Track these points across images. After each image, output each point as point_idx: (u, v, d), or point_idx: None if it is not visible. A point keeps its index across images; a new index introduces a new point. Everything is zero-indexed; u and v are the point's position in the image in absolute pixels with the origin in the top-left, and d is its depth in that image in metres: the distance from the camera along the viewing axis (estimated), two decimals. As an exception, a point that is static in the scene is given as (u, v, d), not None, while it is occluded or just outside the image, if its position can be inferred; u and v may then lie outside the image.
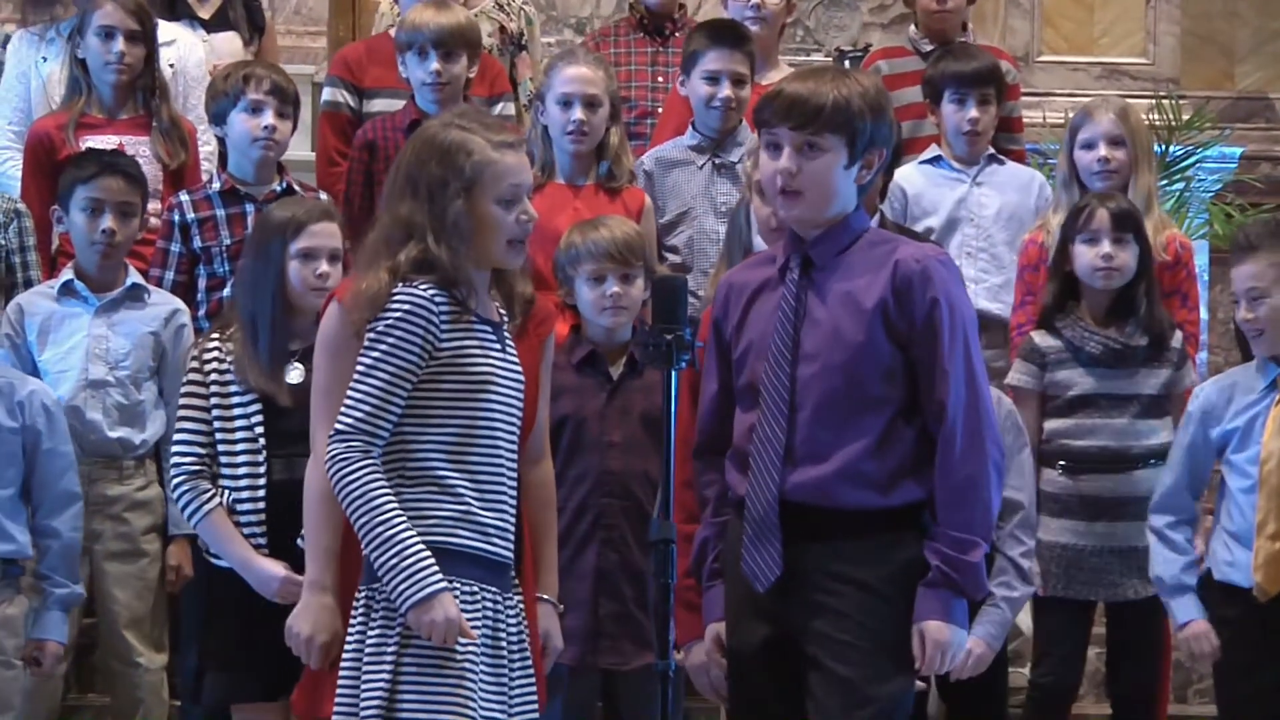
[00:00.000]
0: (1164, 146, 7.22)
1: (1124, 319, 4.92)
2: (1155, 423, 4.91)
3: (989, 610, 4.52)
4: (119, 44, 5.57)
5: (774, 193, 3.70)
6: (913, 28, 6.46)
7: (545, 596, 3.98)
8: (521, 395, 3.70)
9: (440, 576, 3.51)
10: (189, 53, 6.10)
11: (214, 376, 4.44)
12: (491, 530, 3.61)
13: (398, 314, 3.55)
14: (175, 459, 4.44)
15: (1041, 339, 4.96)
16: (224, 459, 4.43)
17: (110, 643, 4.96)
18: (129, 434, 4.97)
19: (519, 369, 3.70)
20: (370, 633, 3.57)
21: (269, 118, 5.27)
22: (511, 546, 3.67)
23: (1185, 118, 7.48)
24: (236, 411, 4.42)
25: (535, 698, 3.72)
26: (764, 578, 3.64)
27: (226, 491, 4.42)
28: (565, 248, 4.70)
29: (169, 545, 4.97)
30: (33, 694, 4.86)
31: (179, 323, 5.06)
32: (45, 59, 6.03)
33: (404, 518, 3.52)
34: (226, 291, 5.21)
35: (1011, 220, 5.68)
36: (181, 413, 4.48)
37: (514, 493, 3.67)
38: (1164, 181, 7.11)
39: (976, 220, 5.70)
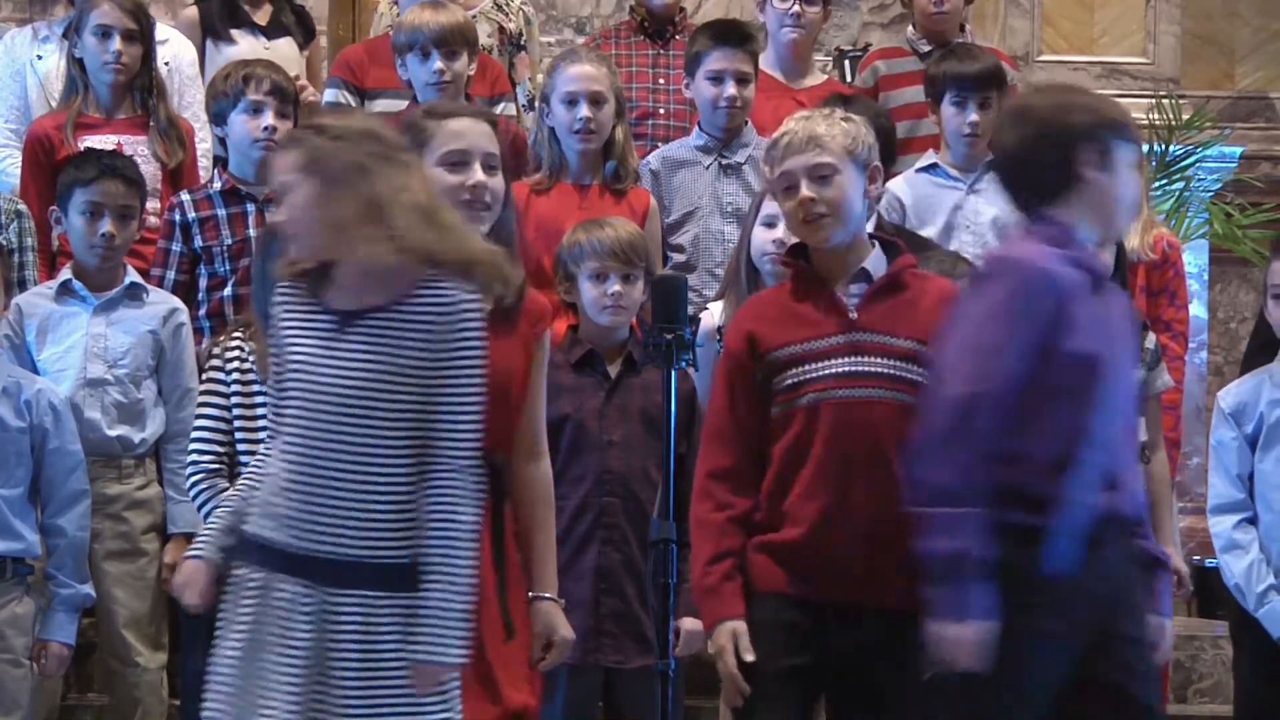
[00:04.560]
0: (1164, 146, 7.23)
1: None
2: None
3: None
4: (116, 43, 5.57)
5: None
6: (911, 28, 6.46)
7: (545, 595, 3.93)
8: (364, 389, 3.49)
9: (204, 545, 3.72)
10: (183, 51, 6.11)
11: (236, 375, 4.42)
12: (293, 522, 3.48)
13: None
14: (193, 457, 4.40)
15: None
16: (246, 458, 4.39)
17: (109, 642, 4.97)
18: (128, 432, 4.97)
19: (365, 360, 3.49)
20: None
21: (269, 118, 5.27)
22: (337, 542, 3.48)
23: (1185, 118, 7.47)
24: (260, 411, 4.39)
25: (399, 706, 3.50)
26: None
27: None
28: (569, 245, 4.70)
29: (167, 544, 4.97)
30: (33, 693, 4.86)
31: (177, 321, 5.06)
32: (40, 57, 6.02)
33: (228, 501, 3.77)
34: (228, 291, 5.22)
35: (1007, 228, 5.66)
36: (200, 410, 4.45)
37: (349, 490, 3.48)
38: (1164, 181, 7.11)
39: (973, 228, 5.70)
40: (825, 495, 3.78)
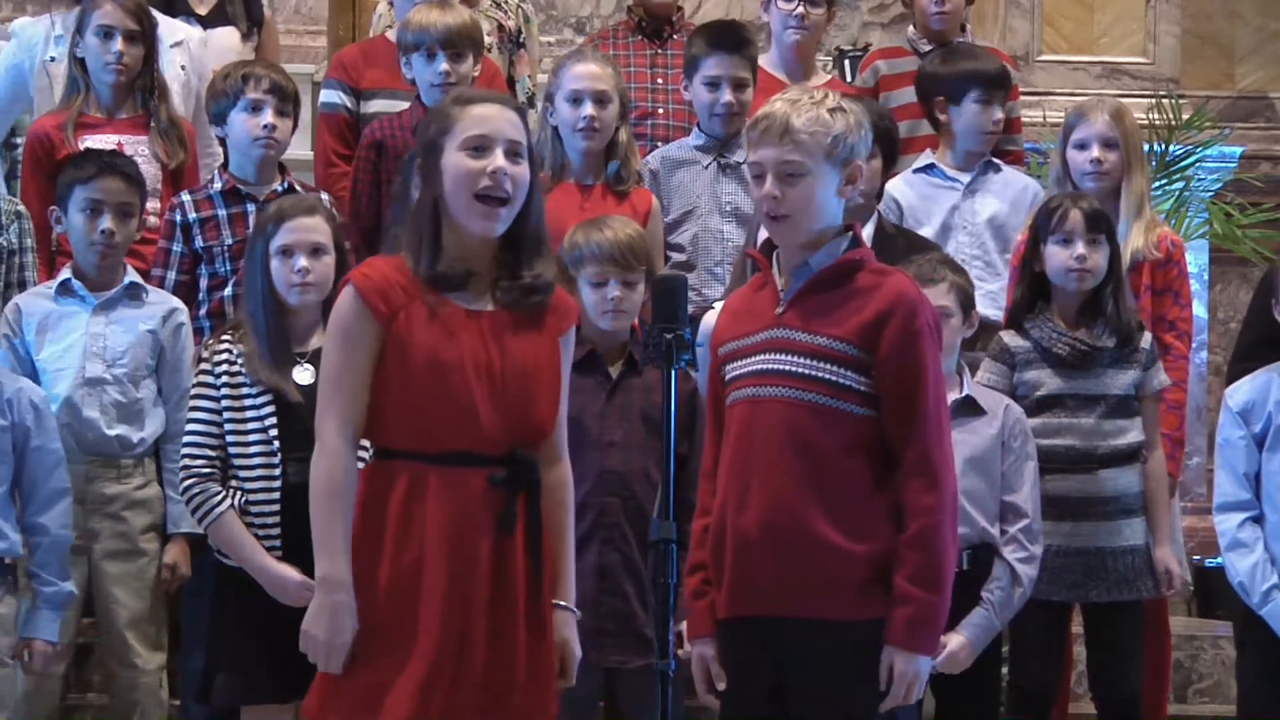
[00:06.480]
0: (1164, 146, 7.23)
1: (1093, 320, 4.90)
2: (1123, 423, 4.87)
3: (977, 611, 4.50)
4: (118, 44, 5.56)
5: None
6: (911, 28, 6.47)
7: (561, 603, 3.77)
8: None
9: None
10: (199, 52, 6.10)
11: (225, 379, 4.43)
12: None
13: None
14: (185, 461, 4.42)
15: (1011, 339, 4.94)
16: (237, 460, 4.42)
17: (109, 643, 4.96)
18: (127, 432, 4.96)
19: None
20: None
21: (268, 116, 5.27)
22: None
23: (1185, 117, 7.48)
24: (249, 413, 4.41)
25: None
26: None
27: (239, 493, 4.41)
28: (569, 247, 4.67)
29: (166, 544, 4.97)
30: (31, 694, 4.86)
31: (177, 321, 5.06)
32: (54, 59, 5.98)
33: None
34: (228, 291, 5.22)
35: (1004, 228, 5.68)
36: (191, 414, 4.47)
37: None
38: (1164, 181, 7.11)
39: (970, 228, 5.70)
40: (730, 500, 3.69)
